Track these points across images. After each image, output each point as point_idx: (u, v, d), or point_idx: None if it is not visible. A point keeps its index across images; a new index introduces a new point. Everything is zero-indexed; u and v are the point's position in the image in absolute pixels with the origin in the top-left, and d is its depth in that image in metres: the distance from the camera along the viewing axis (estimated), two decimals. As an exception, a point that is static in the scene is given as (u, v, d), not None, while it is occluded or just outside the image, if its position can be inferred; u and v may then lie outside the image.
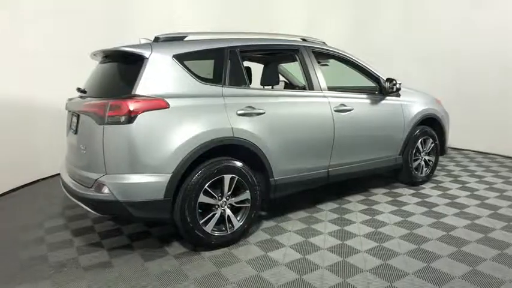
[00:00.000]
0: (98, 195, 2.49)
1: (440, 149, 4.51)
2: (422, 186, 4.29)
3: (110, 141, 2.47)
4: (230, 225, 2.83)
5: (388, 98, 3.90)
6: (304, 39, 3.57)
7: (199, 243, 2.75)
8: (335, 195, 3.96)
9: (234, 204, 2.85)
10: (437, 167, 5.11)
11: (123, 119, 2.42)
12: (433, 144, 4.36)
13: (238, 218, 2.88)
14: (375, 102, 3.78)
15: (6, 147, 4.14)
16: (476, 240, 2.85)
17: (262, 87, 3.45)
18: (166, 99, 2.55)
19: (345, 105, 3.48)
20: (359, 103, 3.65)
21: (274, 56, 4.11)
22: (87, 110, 2.63)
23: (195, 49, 2.82)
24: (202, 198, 2.67)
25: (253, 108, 2.90)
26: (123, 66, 2.74)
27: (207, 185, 2.67)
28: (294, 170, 3.19)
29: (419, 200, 3.81)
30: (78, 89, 3.00)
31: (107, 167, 2.48)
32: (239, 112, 2.82)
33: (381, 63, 6.54)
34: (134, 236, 3.04)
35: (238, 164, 2.80)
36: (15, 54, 4.17)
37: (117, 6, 5.27)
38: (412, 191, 4.10)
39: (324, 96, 3.38)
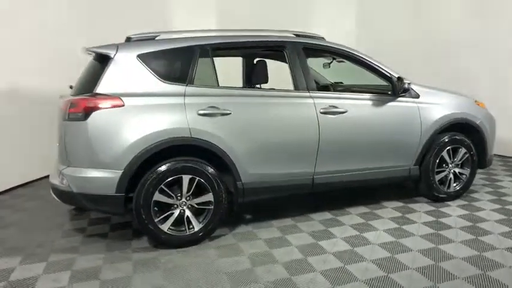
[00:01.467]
0: (60, 186, 2.69)
1: (480, 161, 3.79)
2: (448, 203, 3.66)
3: (70, 136, 2.64)
4: (190, 226, 2.80)
5: (401, 99, 3.40)
6: (298, 35, 3.31)
7: (156, 240, 2.79)
8: (338, 204, 3.62)
9: (196, 206, 2.81)
10: (486, 181, 4.32)
11: (79, 115, 2.57)
12: (467, 155, 3.67)
13: (200, 220, 2.84)
14: (380, 103, 3.33)
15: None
16: None
17: (233, 86, 3.21)
18: (122, 98, 2.62)
19: (336, 107, 3.14)
20: (357, 105, 3.26)
21: (259, 54, 3.85)
22: (60, 107, 2.85)
23: (161, 48, 2.83)
24: (158, 197, 2.69)
25: (218, 108, 2.80)
26: (96, 65, 2.89)
27: (163, 183, 2.68)
28: (267, 175, 3.00)
29: (432, 219, 3.26)
30: (70, 87, 3.26)
31: (69, 160, 2.66)
32: (200, 112, 2.75)
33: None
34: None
35: (199, 165, 2.74)
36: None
37: None
38: (430, 208, 3.53)
39: (310, 97, 3.09)
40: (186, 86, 2.80)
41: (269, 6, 6.57)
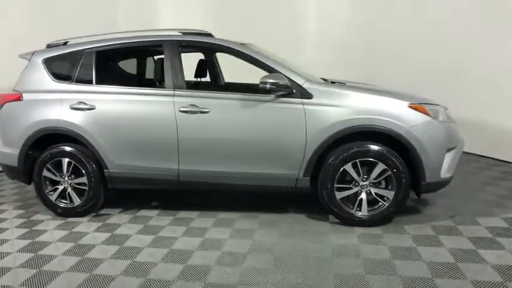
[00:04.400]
0: None
1: (412, 184, 2.91)
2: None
3: None
4: (71, 201, 3.39)
5: (284, 99, 2.97)
6: (184, 33, 3.31)
7: (52, 210, 3.47)
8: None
9: (75, 185, 3.37)
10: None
11: (0, 106, 3.48)
12: (388, 173, 2.89)
13: (81, 197, 3.38)
14: (253, 103, 3.02)
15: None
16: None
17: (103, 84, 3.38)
18: (23, 94, 3.38)
19: (196, 106, 3.06)
20: (223, 104, 3.06)
21: (144, 53, 3.91)
22: None
23: (59, 53, 3.42)
24: (46, 173, 3.37)
25: (85, 103, 3.23)
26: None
27: (48, 163, 3.34)
28: (135, 167, 3.25)
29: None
30: None
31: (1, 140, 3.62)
32: (72, 106, 3.24)
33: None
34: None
35: (68, 149, 3.27)
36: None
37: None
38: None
39: (172, 95, 3.12)
40: (69, 83, 3.34)
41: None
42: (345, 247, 2.70)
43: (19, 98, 3.38)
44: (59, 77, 3.39)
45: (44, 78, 3.40)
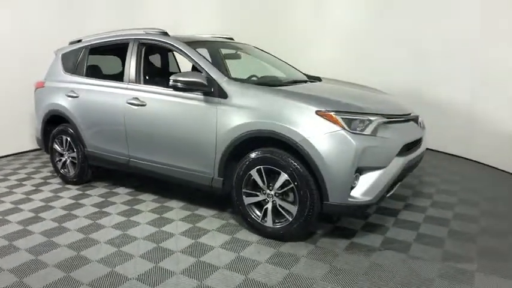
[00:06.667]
0: None
1: (318, 199, 2.57)
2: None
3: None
4: (68, 170, 4.18)
5: (201, 97, 2.98)
6: (147, 32, 3.59)
7: (56, 173, 4.33)
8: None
9: (71, 159, 4.13)
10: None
11: (35, 90, 4.47)
12: (291, 185, 2.62)
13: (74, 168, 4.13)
14: (176, 100, 3.12)
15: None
16: None
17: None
18: (45, 82, 4.28)
19: (138, 99, 3.35)
20: (155, 99, 3.25)
21: (118, 50, 4.10)
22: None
23: (71, 49, 4.19)
24: (55, 146, 4.22)
25: (74, 92, 3.90)
26: None
27: (56, 138, 4.17)
28: (100, 148, 3.78)
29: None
30: None
31: None
32: (67, 94, 3.96)
33: None
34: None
35: (67, 130, 4.00)
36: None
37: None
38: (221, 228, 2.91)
39: (125, 88, 3.48)
40: (70, 75, 4.06)
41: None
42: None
43: (42, 85, 4.30)
44: (67, 69, 4.16)
45: (59, 70, 4.22)
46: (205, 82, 2.92)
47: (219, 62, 3.95)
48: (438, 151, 5.41)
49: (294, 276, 2.33)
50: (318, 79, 3.87)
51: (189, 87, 2.94)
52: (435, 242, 2.73)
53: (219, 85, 2.93)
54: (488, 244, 2.71)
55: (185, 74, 2.96)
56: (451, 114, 5.08)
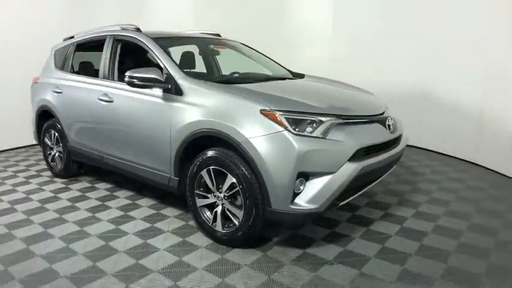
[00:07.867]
0: None
1: (262, 205, 2.39)
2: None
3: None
4: (55, 163, 4.29)
5: (158, 94, 2.90)
6: (123, 29, 3.55)
7: (47, 167, 4.47)
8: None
9: (59, 154, 4.24)
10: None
11: (32, 85, 4.64)
12: (236, 189, 2.47)
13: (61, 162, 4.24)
14: (137, 97, 3.06)
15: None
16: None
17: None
18: (39, 78, 4.42)
19: (107, 95, 3.33)
20: (121, 95, 3.22)
21: (100, 48, 3.89)
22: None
23: (62, 46, 4.28)
24: (46, 140, 4.35)
25: (59, 88, 3.98)
26: None
27: (46, 132, 4.30)
28: (80, 144, 3.82)
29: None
30: None
31: None
32: (53, 90, 4.05)
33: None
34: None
35: (54, 123, 4.10)
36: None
37: None
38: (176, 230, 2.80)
39: (98, 85, 3.48)
40: (59, 71, 4.15)
41: None
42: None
43: (37, 81, 4.44)
44: (57, 65, 4.26)
45: (51, 66, 4.34)
46: (161, 78, 2.83)
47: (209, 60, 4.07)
48: (449, 155, 4.95)
49: (224, 286, 2.18)
50: (301, 76, 3.66)
51: (145, 83, 2.85)
52: (398, 259, 2.45)
53: (175, 82, 2.83)
54: (456, 264, 2.39)
55: (141, 70, 2.88)
56: (460, 114, 4.66)
